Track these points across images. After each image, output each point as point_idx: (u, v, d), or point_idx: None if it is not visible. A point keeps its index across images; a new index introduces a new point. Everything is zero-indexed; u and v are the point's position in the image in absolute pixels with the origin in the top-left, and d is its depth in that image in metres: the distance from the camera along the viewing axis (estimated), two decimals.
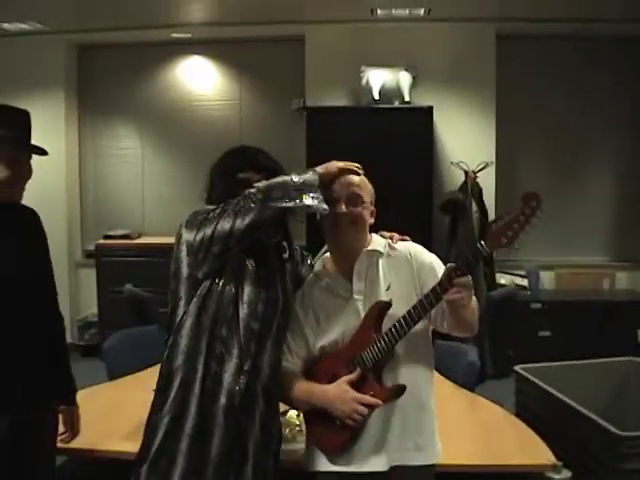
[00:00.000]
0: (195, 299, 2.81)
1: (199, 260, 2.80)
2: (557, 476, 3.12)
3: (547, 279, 8.50)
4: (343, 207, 2.88)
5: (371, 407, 2.78)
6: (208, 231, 2.75)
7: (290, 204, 2.72)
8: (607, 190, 8.74)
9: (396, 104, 7.88)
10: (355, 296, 2.91)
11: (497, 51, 8.30)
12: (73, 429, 3.24)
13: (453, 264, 2.64)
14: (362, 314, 2.89)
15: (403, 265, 2.96)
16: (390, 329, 2.77)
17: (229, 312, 2.81)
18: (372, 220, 2.99)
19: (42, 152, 2.97)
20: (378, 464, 2.85)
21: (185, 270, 2.85)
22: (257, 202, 2.73)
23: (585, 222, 8.70)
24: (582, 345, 6.24)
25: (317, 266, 3.10)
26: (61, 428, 3.19)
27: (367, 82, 7.89)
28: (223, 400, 2.73)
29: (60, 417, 3.17)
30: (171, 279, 2.90)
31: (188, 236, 2.82)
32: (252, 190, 2.78)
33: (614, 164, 8.74)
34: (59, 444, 3.16)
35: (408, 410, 2.87)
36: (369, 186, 2.99)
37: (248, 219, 2.72)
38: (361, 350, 2.83)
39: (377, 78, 7.86)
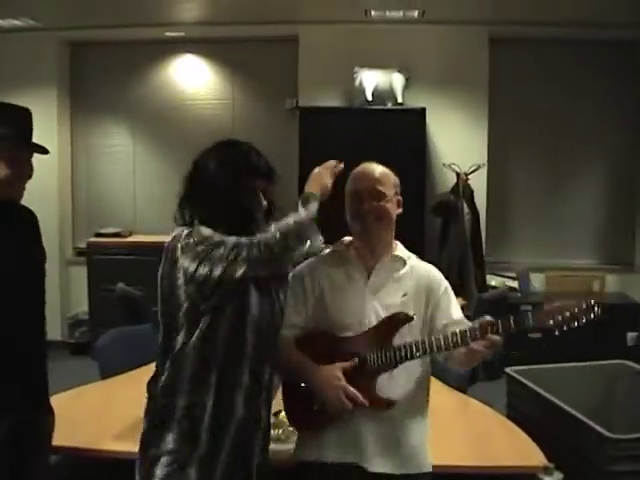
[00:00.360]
0: (198, 331, 2.63)
1: (204, 295, 2.61)
2: (549, 478, 3.13)
3: (537, 281, 8.51)
4: (366, 205, 2.92)
5: (355, 404, 2.78)
6: (216, 272, 2.56)
7: (305, 247, 2.69)
8: (598, 193, 8.77)
9: (389, 105, 7.90)
10: (369, 291, 2.95)
11: (490, 54, 8.33)
12: None
13: (491, 319, 2.71)
14: (368, 309, 2.91)
15: (422, 280, 3.01)
16: (405, 347, 2.82)
17: (237, 341, 2.67)
18: (400, 210, 3.03)
19: (43, 151, 2.95)
20: (368, 463, 2.87)
21: (184, 297, 2.64)
22: (276, 254, 2.59)
23: (576, 225, 8.72)
24: (572, 348, 6.24)
25: (335, 246, 3.09)
26: None
27: (360, 83, 7.90)
28: (233, 428, 2.66)
29: None
30: (163, 299, 2.72)
31: (187, 264, 2.61)
32: (268, 237, 2.60)
33: (605, 167, 8.76)
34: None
35: (402, 419, 2.90)
36: (392, 177, 3.02)
37: (266, 269, 2.64)
38: (366, 350, 2.85)
39: (370, 79, 7.88)
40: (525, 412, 4.34)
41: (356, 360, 2.84)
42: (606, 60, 8.60)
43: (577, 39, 8.43)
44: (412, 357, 2.81)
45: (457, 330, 2.75)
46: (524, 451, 3.40)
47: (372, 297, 2.94)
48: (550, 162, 8.69)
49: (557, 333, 2.66)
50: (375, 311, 2.92)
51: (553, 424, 4.03)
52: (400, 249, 3.08)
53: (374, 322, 2.90)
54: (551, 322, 2.66)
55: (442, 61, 8.26)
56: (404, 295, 2.94)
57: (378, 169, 3.00)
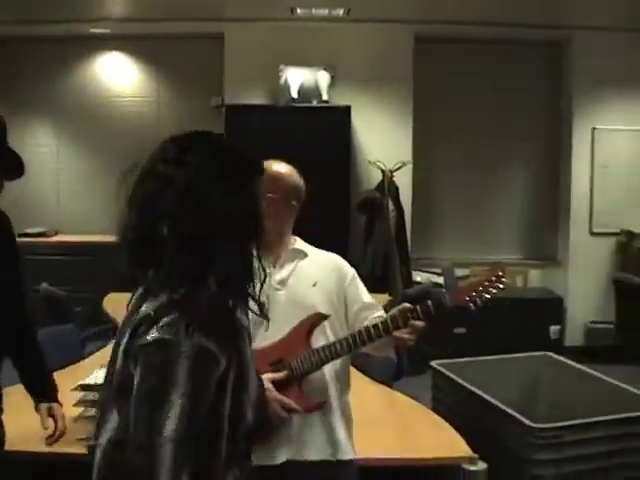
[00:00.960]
0: None
1: None
2: (473, 468, 3.18)
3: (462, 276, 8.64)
4: None
5: (290, 412, 2.77)
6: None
7: None
8: (521, 190, 8.95)
9: (314, 103, 7.94)
10: (276, 285, 2.91)
11: (415, 52, 8.42)
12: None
13: (410, 305, 2.72)
14: (277, 302, 2.86)
15: (329, 269, 3.01)
16: (330, 347, 2.80)
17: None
18: (288, 217, 3.00)
19: (17, 170, 2.78)
20: (285, 456, 2.84)
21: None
22: None
23: (499, 221, 8.88)
24: (496, 342, 6.35)
25: None
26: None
27: (286, 81, 7.92)
28: None
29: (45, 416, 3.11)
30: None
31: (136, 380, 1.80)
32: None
33: (529, 164, 8.95)
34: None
35: (332, 410, 2.91)
36: (285, 179, 2.96)
37: None
38: (289, 355, 2.82)
39: (296, 77, 7.90)
40: (450, 405, 4.40)
41: (285, 372, 2.80)
42: (528, 59, 8.81)
43: (501, 39, 8.59)
44: (338, 356, 2.82)
45: (378, 321, 2.77)
46: (449, 443, 3.43)
47: (280, 290, 2.91)
48: (474, 159, 8.83)
49: (473, 308, 2.71)
50: (286, 303, 2.89)
51: (477, 416, 4.09)
52: (299, 243, 3.06)
53: (285, 314, 2.85)
54: (467, 299, 2.71)
55: (368, 59, 8.32)
56: (314, 285, 2.94)
57: (272, 169, 2.92)
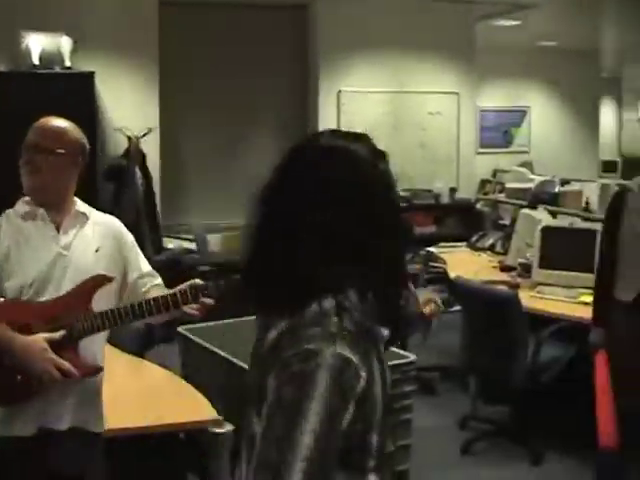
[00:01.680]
0: None
1: None
2: (220, 430, 3.29)
3: (215, 241, 8.71)
4: (25, 157, 2.85)
5: (65, 376, 2.71)
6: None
7: None
8: (270, 153, 9.08)
9: (57, 69, 7.72)
10: (61, 250, 2.86)
11: (160, 17, 8.37)
12: None
13: (202, 282, 2.80)
14: (60, 267, 2.84)
15: (110, 234, 2.98)
16: (112, 312, 2.78)
17: None
18: (74, 175, 2.94)
19: None
20: (58, 425, 2.80)
21: None
22: None
23: (250, 184, 9.01)
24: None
25: (20, 206, 2.94)
26: None
27: (27, 47, 7.64)
28: None
29: None
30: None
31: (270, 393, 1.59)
32: None
33: (277, 128, 9.14)
34: None
35: (97, 379, 2.91)
36: (67, 134, 2.90)
37: None
38: (67, 315, 2.78)
39: (37, 43, 7.64)
40: (198, 369, 4.47)
41: (62, 332, 2.75)
42: (274, 23, 9.03)
43: (246, 2, 8.80)
44: (121, 323, 2.81)
45: (168, 294, 2.80)
46: (195, 407, 3.51)
47: (64, 254, 2.86)
48: (223, 123, 8.92)
49: None
50: (69, 268, 2.85)
51: (222, 377, 4.17)
52: (80, 204, 3.00)
53: (68, 280, 2.83)
54: None
55: (112, 24, 8.16)
56: (97, 250, 2.91)
57: (52, 123, 2.90)
